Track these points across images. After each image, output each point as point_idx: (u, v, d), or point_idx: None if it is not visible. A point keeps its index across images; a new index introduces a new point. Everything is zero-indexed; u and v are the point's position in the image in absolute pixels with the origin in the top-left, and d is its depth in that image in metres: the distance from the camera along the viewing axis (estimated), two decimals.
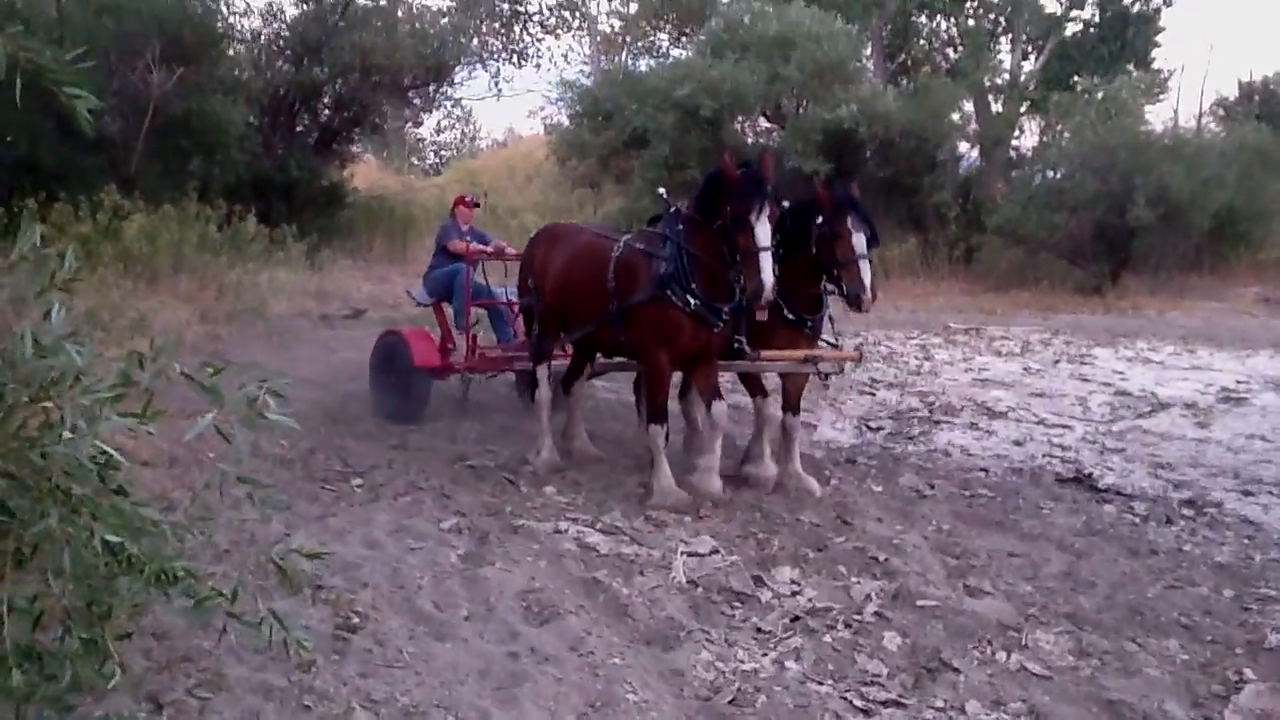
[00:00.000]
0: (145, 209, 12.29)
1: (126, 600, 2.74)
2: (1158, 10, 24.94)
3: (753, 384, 6.78)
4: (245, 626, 2.77)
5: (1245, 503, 6.53)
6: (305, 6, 18.94)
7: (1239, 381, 10.52)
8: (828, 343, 6.72)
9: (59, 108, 2.23)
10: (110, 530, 2.51)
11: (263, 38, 18.91)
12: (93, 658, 2.65)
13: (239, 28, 18.23)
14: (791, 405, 6.66)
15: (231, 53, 17.38)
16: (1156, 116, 23.34)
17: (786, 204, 6.15)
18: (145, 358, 2.66)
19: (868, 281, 6.10)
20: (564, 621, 4.21)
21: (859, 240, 6.11)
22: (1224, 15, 46.06)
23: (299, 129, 19.42)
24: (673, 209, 6.22)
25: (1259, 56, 61.55)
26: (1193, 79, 60.85)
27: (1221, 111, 26.75)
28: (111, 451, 2.55)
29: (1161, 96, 24.29)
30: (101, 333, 7.90)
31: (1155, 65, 24.97)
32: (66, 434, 2.34)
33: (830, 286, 6.45)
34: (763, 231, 5.54)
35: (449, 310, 8.57)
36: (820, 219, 6.17)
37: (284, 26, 18.87)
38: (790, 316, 6.34)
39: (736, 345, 6.16)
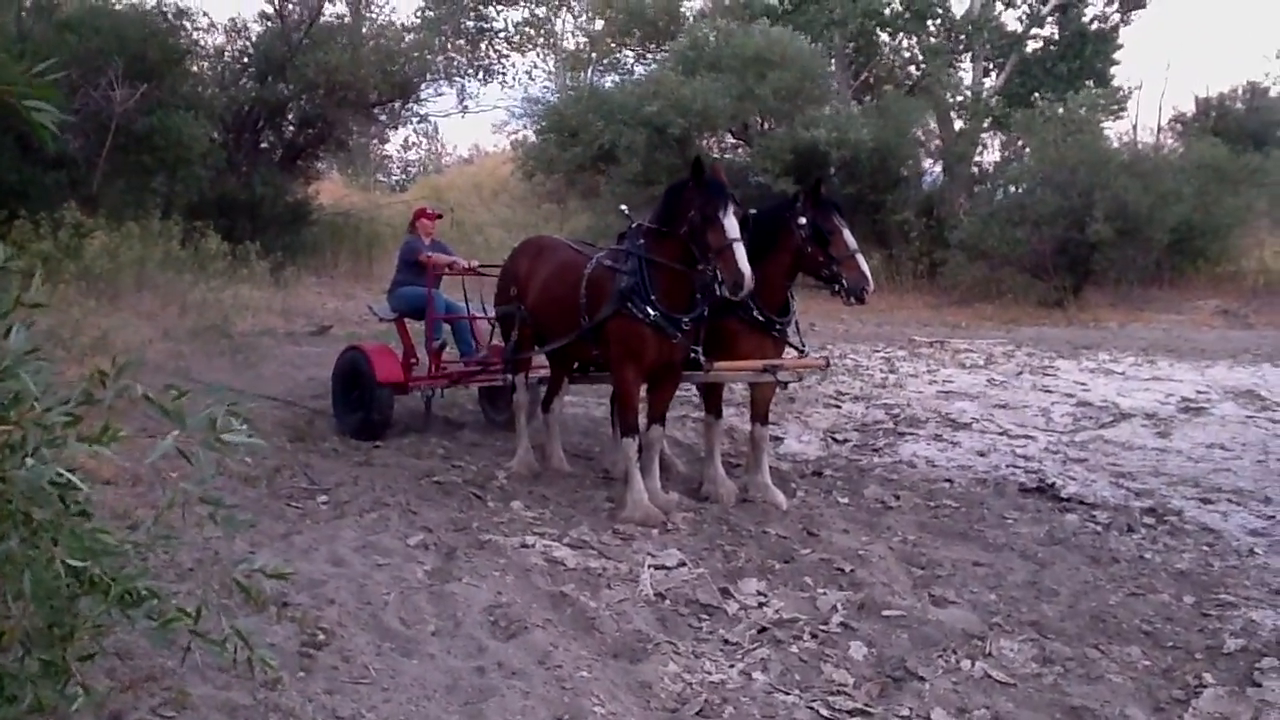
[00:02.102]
0: (107, 226, 12.20)
1: (89, 621, 2.71)
2: (1115, 28, 25.35)
3: (711, 401, 6.81)
4: (209, 645, 2.76)
5: (1205, 511, 6.62)
6: (270, 23, 18.92)
7: (1198, 392, 10.69)
8: (795, 348, 6.79)
9: (19, 124, 2.23)
10: (72, 553, 2.50)
11: (227, 54, 18.87)
12: (54, 679, 2.63)
13: (203, 44, 18.18)
14: (760, 415, 6.70)
15: (195, 69, 17.31)
16: (1115, 133, 23.71)
17: (754, 211, 6.28)
18: (107, 376, 2.65)
19: (868, 272, 6.28)
20: (531, 636, 4.21)
21: (849, 236, 6.28)
22: (1181, 33, 46.82)
23: (263, 146, 19.37)
24: (635, 224, 6.29)
25: (1215, 73, 62.58)
26: (1151, 95, 61.63)
27: (1179, 127, 27.16)
28: (70, 477, 2.54)
29: (1120, 113, 24.68)
30: (62, 351, 7.82)
31: (1114, 82, 25.36)
32: (29, 459, 2.33)
33: (792, 291, 6.62)
34: (731, 224, 5.65)
35: (413, 325, 8.54)
36: (802, 220, 6.27)
37: (248, 43, 18.84)
38: (760, 318, 6.40)
39: (693, 355, 6.19)
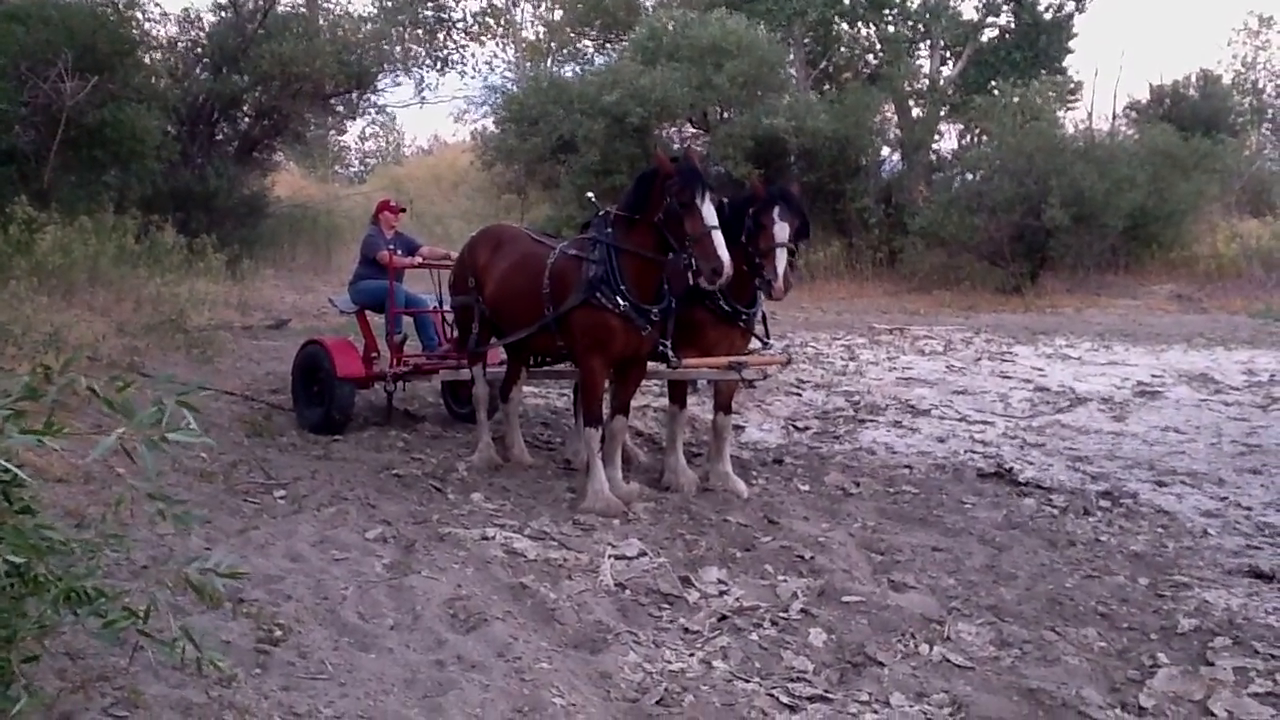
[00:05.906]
0: (59, 221, 11.97)
1: (33, 621, 2.66)
2: (1070, 17, 25.51)
3: (676, 391, 6.79)
4: (159, 645, 2.71)
5: (1160, 493, 6.72)
6: (223, 14, 18.64)
7: (1153, 376, 10.84)
8: (759, 339, 6.79)
9: None
10: (14, 550, 2.44)
11: (180, 46, 18.59)
12: None
13: (155, 35, 17.87)
14: (722, 405, 6.71)
15: (147, 61, 16.98)
16: (1071, 120, 23.91)
17: (725, 200, 6.26)
18: (51, 370, 2.59)
19: (780, 270, 6.15)
20: (491, 628, 4.18)
21: (780, 230, 6.18)
22: (1135, 21, 47.42)
23: (218, 138, 19.11)
24: (602, 212, 6.25)
25: (1170, 61, 63.43)
26: (1106, 83, 62.38)
27: (1134, 115, 27.44)
28: (15, 470, 2.48)
29: (1075, 100, 24.88)
30: (14, 348, 7.68)
31: (1069, 70, 25.56)
32: None
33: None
34: (709, 211, 5.61)
35: (374, 319, 8.46)
36: (751, 211, 6.26)
37: (201, 34, 18.56)
38: (727, 309, 6.38)
39: (661, 349, 6.17)
